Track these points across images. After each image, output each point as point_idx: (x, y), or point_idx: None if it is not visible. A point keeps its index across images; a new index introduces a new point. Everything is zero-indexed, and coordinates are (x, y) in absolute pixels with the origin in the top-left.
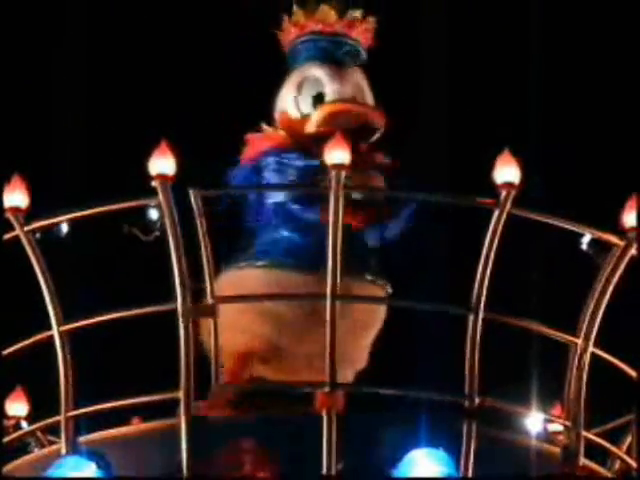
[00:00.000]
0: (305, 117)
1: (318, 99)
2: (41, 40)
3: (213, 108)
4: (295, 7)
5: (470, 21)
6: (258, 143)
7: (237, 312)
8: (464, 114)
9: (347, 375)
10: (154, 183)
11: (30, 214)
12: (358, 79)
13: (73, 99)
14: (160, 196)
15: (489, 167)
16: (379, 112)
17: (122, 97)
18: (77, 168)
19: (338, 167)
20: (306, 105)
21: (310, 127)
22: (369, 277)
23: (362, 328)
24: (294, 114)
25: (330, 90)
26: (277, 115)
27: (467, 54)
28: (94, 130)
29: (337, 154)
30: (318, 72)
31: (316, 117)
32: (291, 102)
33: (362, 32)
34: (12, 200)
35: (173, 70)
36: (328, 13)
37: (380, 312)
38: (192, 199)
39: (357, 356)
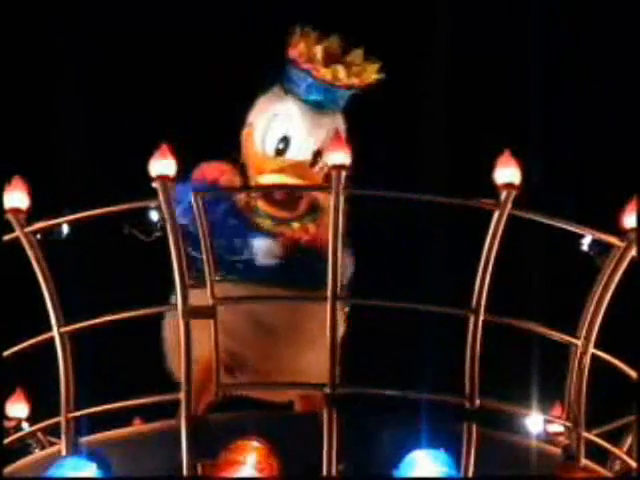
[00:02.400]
0: (263, 157)
1: (282, 143)
2: (41, 41)
3: (213, 109)
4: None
5: (470, 20)
6: (208, 172)
7: (200, 328)
8: (464, 114)
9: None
10: (154, 184)
11: (31, 215)
12: (334, 124)
13: (73, 100)
14: (160, 197)
15: (489, 168)
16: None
17: (123, 98)
18: (78, 169)
19: (338, 168)
20: (270, 144)
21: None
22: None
23: (310, 342)
24: (258, 146)
25: (296, 142)
26: (246, 129)
27: (468, 53)
28: (95, 131)
29: (338, 155)
30: (296, 115)
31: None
32: (260, 131)
33: (360, 78)
34: (13, 201)
35: (174, 70)
36: (341, 74)
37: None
38: (192, 200)
39: (305, 370)
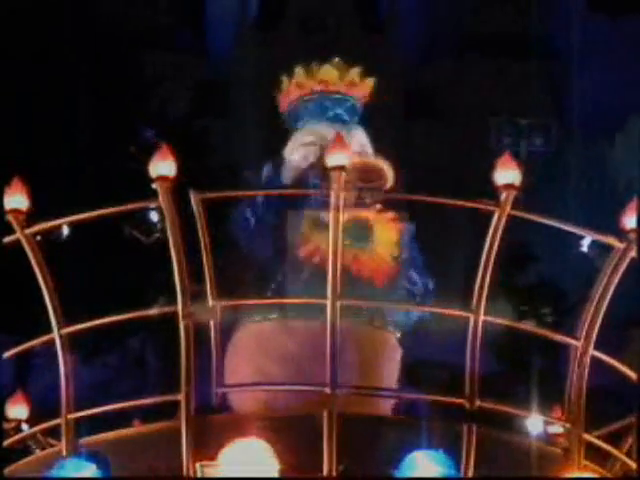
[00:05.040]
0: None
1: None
2: (41, 42)
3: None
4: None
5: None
6: None
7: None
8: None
9: None
10: (155, 185)
11: (31, 216)
12: (361, 137)
13: (74, 101)
14: (161, 198)
15: (490, 169)
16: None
17: (123, 98)
18: (78, 170)
19: (338, 168)
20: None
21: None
22: (376, 323)
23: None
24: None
25: None
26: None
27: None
28: (95, 132)
29: (337, 156)
30: (326, 132)
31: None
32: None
33: (361, 91)
34: (13, 202)
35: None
36: (330, 73)
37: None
38: (193, 201)
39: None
